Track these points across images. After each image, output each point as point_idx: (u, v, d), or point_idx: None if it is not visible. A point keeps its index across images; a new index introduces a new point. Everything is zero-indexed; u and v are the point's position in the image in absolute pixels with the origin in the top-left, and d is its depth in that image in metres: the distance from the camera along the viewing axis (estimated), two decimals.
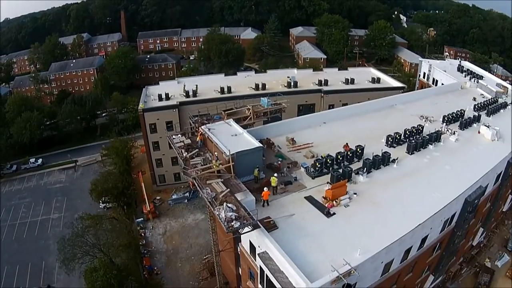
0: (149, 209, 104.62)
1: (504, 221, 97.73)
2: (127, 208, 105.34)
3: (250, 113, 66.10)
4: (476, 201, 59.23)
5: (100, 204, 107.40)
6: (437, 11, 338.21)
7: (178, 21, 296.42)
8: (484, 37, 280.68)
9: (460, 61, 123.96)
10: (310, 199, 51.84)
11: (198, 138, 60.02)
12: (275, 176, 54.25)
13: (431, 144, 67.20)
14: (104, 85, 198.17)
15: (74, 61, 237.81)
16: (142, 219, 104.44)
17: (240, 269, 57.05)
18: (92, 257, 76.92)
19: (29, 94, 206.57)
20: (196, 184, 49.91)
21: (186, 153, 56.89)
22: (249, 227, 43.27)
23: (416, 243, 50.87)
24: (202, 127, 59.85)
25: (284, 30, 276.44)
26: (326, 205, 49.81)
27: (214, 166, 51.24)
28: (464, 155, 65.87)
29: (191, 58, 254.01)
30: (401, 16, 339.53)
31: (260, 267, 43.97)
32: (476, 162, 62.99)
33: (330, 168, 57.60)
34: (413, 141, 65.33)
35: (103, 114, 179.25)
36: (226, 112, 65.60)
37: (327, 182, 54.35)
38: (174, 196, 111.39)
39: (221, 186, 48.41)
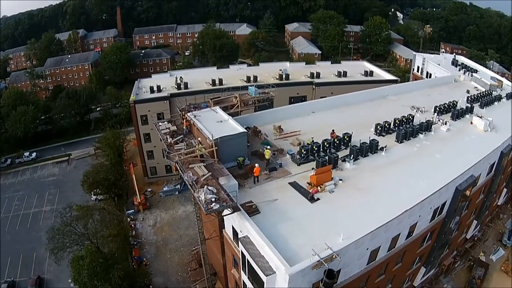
0: (139, 200, 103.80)
1: (499, 215, 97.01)
2: (118, 200, 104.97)
3: (237, 101, 65.08)
4: (467, 191, 58.28)
5: (92, 196, 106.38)
6: (434, 9, 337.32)
7: (174, 17, 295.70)
8: (480, 34, 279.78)
9: (454, 55, 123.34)
10: (294, 184, 51.11)
11: (183, 124, 59.37)
12: (268, 149, 54.96)
13: (421, 133, 66.50)
14: (98, 79, 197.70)
15: (69, 56, 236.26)
16: (132, 210, 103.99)
17: (226, 258, 56.25)
18: (80, 246, 76.29)
19: (25, 89, 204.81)
20: (178, 168, 49.11)
21: (171, 139, 56.18)
22: (229, 209, 42.54)
23: (404, 231, 49.90)
24: (188, 114, 59.11)
25: (279, 26, 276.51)
26: (311, 191, 48.98)
27: (197, 151, 50.39)
28: (456, 145, 65.15)
29: (186, 53, 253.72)
30: (398, 14, 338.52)
31: (242, 252, 43.07)
32: (467, 152, 62.01)
33: (316, 155, 56.82)
34: (403, 129, 64.60)
35: (98, 109, 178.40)
36: (213, 100, 64.84)
37: (312, 168, 53.46)
38: (165, 188, 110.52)
39: (203, 169, 47.65)
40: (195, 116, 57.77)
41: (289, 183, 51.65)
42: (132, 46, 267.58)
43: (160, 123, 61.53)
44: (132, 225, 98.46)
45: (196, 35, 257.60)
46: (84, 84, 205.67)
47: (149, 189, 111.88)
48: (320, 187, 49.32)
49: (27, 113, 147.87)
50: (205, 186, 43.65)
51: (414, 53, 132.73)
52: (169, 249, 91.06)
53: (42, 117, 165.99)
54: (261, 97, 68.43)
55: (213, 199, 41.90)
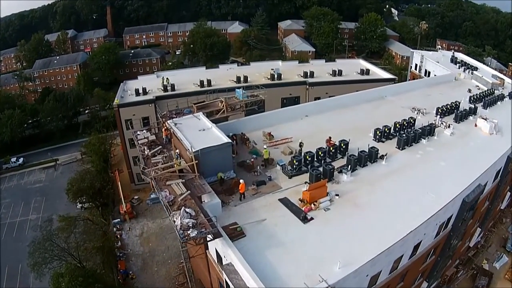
0: (125, 209, 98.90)
1: (502, 219, 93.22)
2: (105, 208, 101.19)
3: (223, 106, 59.70)
4: (474, 202, 53.64)
5: (78, 204, 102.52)
6: (429, 5, 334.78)
7: (165, 15, 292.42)
8: (477, 30, 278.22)
9: (453, 52, 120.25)
10: (285, 201, 45.77)
11: (163, 133, 53.98)
12: (266, 148, 52.83)
13: (424, 138, 61.76)
14: (87, 81, 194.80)
15: (57, 57, 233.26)
16: (119, 219, 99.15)
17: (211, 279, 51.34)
18: (62, 261, 73.48)
19: (14, 92, 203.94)
20: (154, 186, 43.88)
21: (148, 150, 50.71)
22: (209, 236, 37.14)
23: (407, 252, 45.09)
24: (168, 121, 53.70)
25: (272, 23, 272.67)
26: (303, 209, 43.78)
27: (176, 165, 45.04)
28: (461, 150, 60.63)
29: (177, 52, 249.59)
30: (393, 10, 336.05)
31: (226, 280, 38.11)
32: (474, 158, 57.61)
33: (309, 166, 51.53)
34: (404, 135, 59.86)
35: (86, 111, 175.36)
36: (196, 106, 59.44)
37: (305, 182, 48.25)
38: (152, 196, 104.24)
39: (181, 188, 42.24)
40: (175, 124, 52.36)
41: (279, 199, 46.32)
42: (122, 46, 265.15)
43: (138, 132, 56.00)
44: (118, 236, 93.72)
45: (187, 34, 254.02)
46: (73, 86, 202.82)
47: (135, 197, 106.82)
48: (314, 204, 44.14)
49: (13, 117, 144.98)
50: (182, 208, 38.37)
51: (411, 50, 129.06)
52: (156, 262, 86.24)
53: (30, 121, 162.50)
54: (249, 101, 63.32)
55: (190, 224, 36.56)
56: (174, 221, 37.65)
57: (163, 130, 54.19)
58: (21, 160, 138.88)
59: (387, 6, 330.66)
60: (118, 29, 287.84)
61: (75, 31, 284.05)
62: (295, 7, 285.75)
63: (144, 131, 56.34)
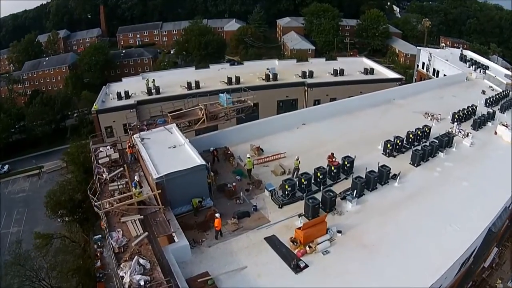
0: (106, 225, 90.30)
1: None
2: (85, 223, 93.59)
3: (203, 114, 50.19)
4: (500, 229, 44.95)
5: (59, 218, 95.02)
6: (430, 2, 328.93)
7: (160, 14, 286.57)
8: (481, 28, 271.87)
9: (461, 50, 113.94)
10: (272, 241, 36.09)
11: (127, 151, 44.55)
12: (249, 158, 45.83)
13: (442, 151, 52.97)
14: (75, 83, 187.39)
15: (47, 59, 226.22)
16: (100, 236, 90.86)
17: None
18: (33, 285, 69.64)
19: (4, 95, 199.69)
20: (104, 223, 34.54)
21: (107, 173, 41.12)
22: None
23: None
24: (134, 136, 44.39)
25: (270, 21, 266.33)
26: (296, 252, 34.42)
27: (135, 196, 35.51)
28: (483, 165, 52.15)
29: (171, 52, 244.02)
30: (395, 7, 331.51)
31: None
32: (498, 174, 49.11)
33: (305, 193, 41.90)
34: (419, 147, 51.27)
35: (75, 115, 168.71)
36: (171, 114, 49.77)
37: (299, 215, 38.90)
38: None
39: (137, 227, 32.63)
40: (142, 140, 43.11)
41: (265, 238, 36.66)
42: (116, 46, 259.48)
43: (101, 149, 46.10)
44: (98, 254, 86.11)
45: (182, 32, 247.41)
46: (62, 88, 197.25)
47: None
48: (310, 246, 34.79)
49: None
50: (135, 258, 29.05)
51: (418, 48, 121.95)
52: None
53: (16, 126, 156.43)
54: (235, 107, 54.11)
55: (141, 283, 27.23)
56: (122, 277, 28.15)
57: (127, 146, 44.77)
58: (6, 167, 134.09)
59: (389, 3, 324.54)
60: (112, 28, 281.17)
61: (68, 31, 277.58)
62: (294, 4, 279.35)
63: (107, 147, 46.72)
